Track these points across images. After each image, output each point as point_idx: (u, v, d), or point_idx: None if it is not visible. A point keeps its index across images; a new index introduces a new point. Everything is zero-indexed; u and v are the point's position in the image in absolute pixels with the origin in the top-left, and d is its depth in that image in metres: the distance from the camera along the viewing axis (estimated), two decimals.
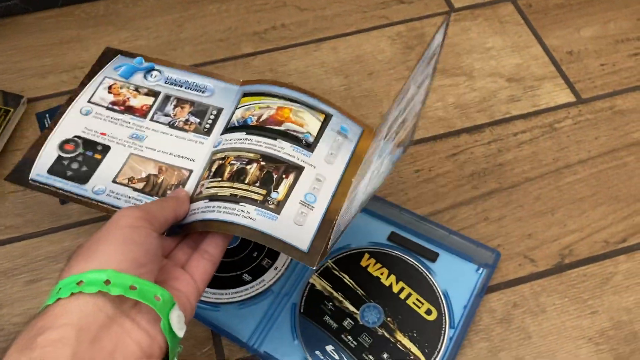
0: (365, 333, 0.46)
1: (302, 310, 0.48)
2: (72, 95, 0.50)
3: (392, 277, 0.49)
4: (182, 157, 0.46)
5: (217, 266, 0.41)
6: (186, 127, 0.47)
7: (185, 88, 0.49)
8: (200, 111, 0.48)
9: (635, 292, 0.49)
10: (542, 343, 0.47)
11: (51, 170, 0.45)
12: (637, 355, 0.46)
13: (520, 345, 0.47)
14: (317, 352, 0.46)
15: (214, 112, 0.48)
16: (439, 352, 0.45)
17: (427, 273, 0.49)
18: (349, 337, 0.46)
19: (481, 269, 0.49)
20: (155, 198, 0.44)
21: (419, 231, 0.51)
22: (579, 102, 0.61)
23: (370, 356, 0.45)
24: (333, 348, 0.46)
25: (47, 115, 0.62)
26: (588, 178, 0.55)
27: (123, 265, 0.34)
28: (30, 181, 0.45)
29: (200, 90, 0.49)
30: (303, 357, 0.46)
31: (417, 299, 0.48)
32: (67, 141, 0.46)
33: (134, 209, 0.38)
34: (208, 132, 0.47)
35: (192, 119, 0.47)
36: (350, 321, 0.47)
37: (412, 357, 0.45)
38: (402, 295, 0.48)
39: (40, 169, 0.45)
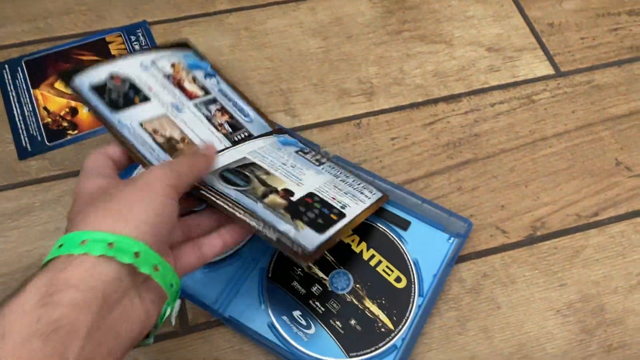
0: (333, 299, 0.45)
1: (270, 275, 0.46)
2: (137, 52, 0.53)
3: (363, 245, 0.48)
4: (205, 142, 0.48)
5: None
6: (219, 127, 0.49)
7: (232, 105, 0.52)
8: (235, 125, 0.50)
9: (605, 266, 0.49)
10: (511, 314, 0.47)
11: (92, 88, 0.45)
12: (602, 327, 0.46)
13: (489, 315, 0.47)
14: (284, 318, 0.45)
15: (246, 134, 0.50)
16: (407, 320, 0.44)
17: (399, 241, 0.48)
18: (317, 303, 0.45)
19: (452, 238, 0.48)
20: (168, 157, 0.44)
21: (391, 199, 0.50)
22: (557, 75, 0.60)
23: (338, 322, 0.44)
24: (300, 313, 0.45)
25: (5, 66, 0.59)
26: (563, 151, 0.55)
27: (152, 240, 0.33)
28: (72, 86, 0.45)
29: (243, 114, 0.51)
30: (269, 322, 0.44)
31: (387, 267, 0.47)
32: (117, 76, 0.47)
33: (167, 172, 0.36)
34: (234, 143, 0.48)
35: (227, 126, 0.49)
36: (319, 287, 0.46)
37: (380, 324, 0.44)
38: (373, 263, 0.47)
39: (83, 82, 0.45)
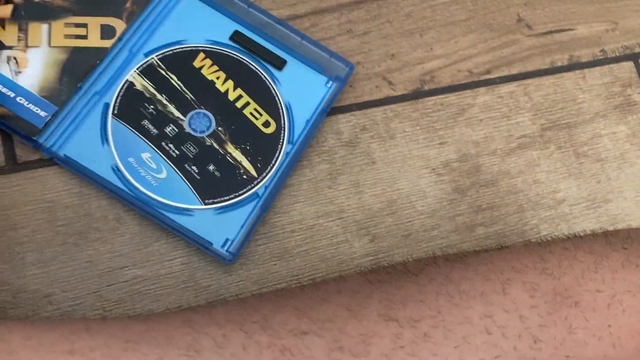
0: (190, 142, 0.40)
1: (115, 112, 0.39)
2: None
3: (230, 83, 0.41)
4: None
5: None
6: None
7: None
8: None
9: (487, 127, 0.47)
10: (385, 170, 0.44)
11: None
12: (475, 188, 0.45)
13: (362, 170, 0.43)
14: (130, 159, 0.39)
15: None
16: (272, 167, 0.40)
17: (271, 81, 0.42)
18: (171, 146, 0.39)
19: (331, 82, 0.43)
20: None
21: (268, 34, 0.43)
22: None
23: (194, 167, 0.39)
24: (150, 156, 0.39)
25: None
26: (465, 1, 0.50)
27: None
28: None
29: None
30: (113, 164, 0.38)
31: (255, 109, 0.41)
32: None
33: None
34: None
35: None
36: (174, 128, 0.40)
37: (242, 171, 0.40)
38: (239, 104, 0.41)
39: None
